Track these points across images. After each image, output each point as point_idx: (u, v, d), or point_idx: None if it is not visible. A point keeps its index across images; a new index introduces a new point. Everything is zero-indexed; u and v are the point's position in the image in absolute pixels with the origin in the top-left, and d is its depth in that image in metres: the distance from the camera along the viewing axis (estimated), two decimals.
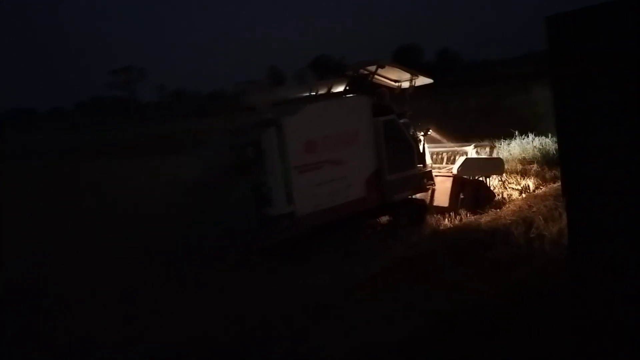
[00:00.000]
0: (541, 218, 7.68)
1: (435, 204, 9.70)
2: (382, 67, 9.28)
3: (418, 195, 9.58)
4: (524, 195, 10.37)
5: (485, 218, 8.93)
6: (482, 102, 21.56)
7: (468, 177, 9.95)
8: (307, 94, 8.82)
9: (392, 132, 8.74)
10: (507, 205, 9.57)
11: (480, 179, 10.15)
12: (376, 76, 9.37)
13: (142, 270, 7.51)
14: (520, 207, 8.93)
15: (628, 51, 3.90)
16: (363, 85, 9.13)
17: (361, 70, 9.40)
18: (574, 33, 4.24)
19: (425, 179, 9.38)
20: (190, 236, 8.10)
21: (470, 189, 9.89)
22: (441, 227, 9.00)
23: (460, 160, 9.93)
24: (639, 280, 4.06)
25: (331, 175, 7.93)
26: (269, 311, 6.08)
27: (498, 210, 9.36)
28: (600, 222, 4.23)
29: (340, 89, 9.22)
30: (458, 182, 9.72)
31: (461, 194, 9.76)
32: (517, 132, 13.58)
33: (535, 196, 9.78)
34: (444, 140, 10.61)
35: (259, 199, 7.64)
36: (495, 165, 10.42)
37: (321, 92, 9.34)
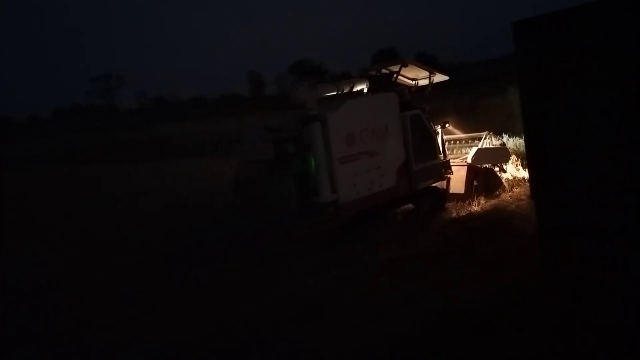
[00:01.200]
0: None
1: (451, 191, 10.49)
2: (406, 66, 10.00)
3: (437, 184, 10.34)
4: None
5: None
6: (457, 104, 22.12)
7: (480, 166, 10.79)
8: (336, 92, 9.41)
9: (417, 126, 9.52)
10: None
11: (489, 167, 11.02)
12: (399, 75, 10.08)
13: (162, 270, 8.09)
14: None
15: (590, 53, 4.03)
16: (385, 83, 9.87)
17: (384, 70, 10.17)
18: (537, 37, 4.36)
19: (444, 169, 10.17)
20: (236, 228, 8.92)
21: (482, 176, 10.76)
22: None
23: (473, 150, 10.76)
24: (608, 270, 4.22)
25: (367, 166, 8.61)
26: (271, 311, 6.34)
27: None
28: (570, 220, 4.32)
29: (360, 87, 9.87)
30: (472, 170, 10.55)
31: (475, 182, 10.58)
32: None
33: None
34: (458, 133, 11.41)
35: (303, 189, 8.30)
36: (503, 155, 11.32)
37: (346, 90, 9.84)
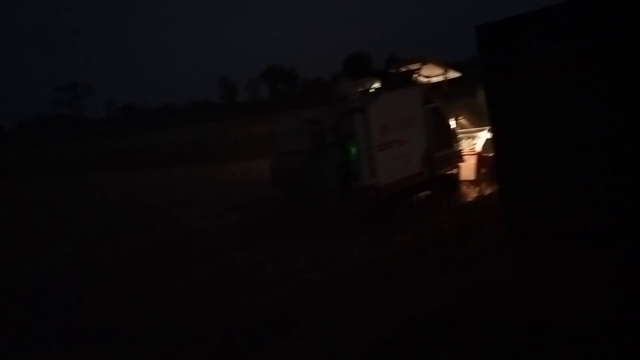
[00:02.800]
0: None
1: (462, 178, 11.48)
2: (426, 63, 10.96)
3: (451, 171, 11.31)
4: None
5: None
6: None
7: (487, 155, 11.85)
8: (362, 88, 10.31)
9: (437, 117, 10.52)
10: None
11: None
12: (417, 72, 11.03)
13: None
14: None
15: (554, 56, 3.99)
16: (404, 81, 10.87)
17: (403, 68, 11.16)
18: (501, 41, 4.35)
19: (458, 157, 11.20)
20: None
21: (490, 164, 11.78)
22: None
23: (482, 140, 11.80)
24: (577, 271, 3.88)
25: (398, 153, 9.55)
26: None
27: None
28: (540, 221, 4.12)
29: (376, 85, 10.79)
30: (481, 158, 11.59)
31: (483, 169, 11.62)
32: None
33: None
34: (469, 125, 12.43)
35: (343, 174, 9.18)
36: None
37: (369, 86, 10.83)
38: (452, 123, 11.31)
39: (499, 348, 4.24)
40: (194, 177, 19.77)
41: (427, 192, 11.02)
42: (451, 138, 11.01)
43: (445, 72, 11.58)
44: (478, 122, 12.55)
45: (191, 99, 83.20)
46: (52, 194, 20.63)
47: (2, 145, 62.83)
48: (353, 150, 9.08)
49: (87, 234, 12.00)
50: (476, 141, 12.12)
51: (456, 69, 11.82)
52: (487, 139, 11.88)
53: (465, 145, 12.27)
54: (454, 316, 4.99)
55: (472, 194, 11.24)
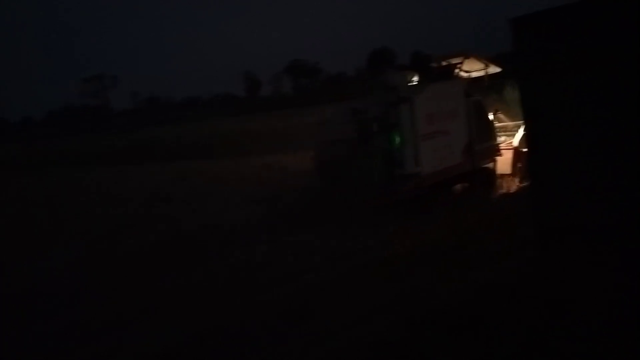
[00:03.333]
0: None
1: (499, 171, 11.63)
2: (468, 57, 11.16)
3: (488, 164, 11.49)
4: None
5: None
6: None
7: (524, 149, 12.00)
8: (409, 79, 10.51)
9: (478, 111, 10.74)
10: None
11: None
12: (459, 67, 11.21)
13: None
14: None
15: (590, 49, 3.87)
16: (446, 74, 11.06)
17: (445, 62, 11.34)
18: (536, 33, 4.21)
19: (496, 150, 11.37)
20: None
21: (526, 158, 11.97)
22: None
23: (519, 134, 11.95)
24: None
25: (442, 143, 9.78)
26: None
27: None
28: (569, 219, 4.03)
29: (417, 77, 10.86)
30: (517, 153, 11.73)
31: (519, 164, 11.78)
32: None
33: None
34: (507, 119, 12.58)
35: (388, 163, 9.48)
36: None
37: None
38: (491, 117, 11.45)
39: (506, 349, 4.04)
40: (216, 171, 19.71)
41: (464, 184, 11.19)
42: (490, 132, 11.20)
43: (486, 66, 11.72)
44: (515, 117, 12.69)
45: (215, 93, 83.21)
46: (74, 186, 20.85)
47: (28, 136, 63.64)
48: (399, 138, 9.31)
49: (106, 226, 11.95)
50: (513, 135, 12.27)
51: (497, 64, 11.91)
52: (524, 134, 12.09)
53: (502, 140, 12.42)
54: (466, 317, 4.80)
55: (507, 188, 11.39)
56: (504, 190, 11.26)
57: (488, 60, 11.83)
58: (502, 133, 12.59)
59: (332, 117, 11.22)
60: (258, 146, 24.27)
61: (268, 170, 17.29)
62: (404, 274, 6.47)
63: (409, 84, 10.27)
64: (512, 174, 11.62)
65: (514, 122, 12.66)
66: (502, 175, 11.67)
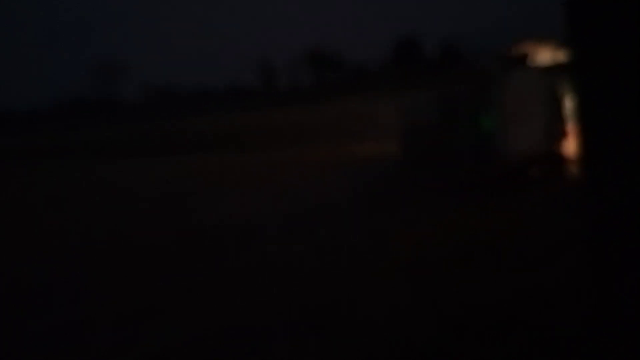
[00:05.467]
0: None
1: (568, 156, 11.20)
2: (543, 45, 11.72)
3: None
4: None
5: None
6: None
7: None
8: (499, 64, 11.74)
9: (554, 96, 10.73)
10: None
11: None
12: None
13: None
14: None
15: None
16: (523, 60, 11.61)
17: (521, 50, 11.95)
18: (596, 16, 3.74)
19: (567, 135, 11.29)
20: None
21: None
22: None
23: None
24: None
25: (526, 125, 9.98)
26: None
27: None
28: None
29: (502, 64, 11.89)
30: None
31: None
32: None
33: None
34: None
35: (478, 145, 10.00)
36: None
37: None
38: (563, 102, 11.37)
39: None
40: (233, 164, 19.51)
41: (539, 168, 11.36)
42: (563, 117, 11.14)
43: (561, 54, 11.47)
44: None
45: (230, 84, 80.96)
46: (86, 180, 20.57)
47: (35, 128, 63.25)
48: (490, 121, 9.96)
49: (120, 219, 11.64)
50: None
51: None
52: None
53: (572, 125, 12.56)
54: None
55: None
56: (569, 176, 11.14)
57: (557, 46, 11.77)
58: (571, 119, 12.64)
59: (413, 104, 12.19)
60: (273, 140, 24.34)
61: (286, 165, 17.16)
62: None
63: (499, 69, 11.41)
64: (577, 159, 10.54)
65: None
66: (571, 160, 11.29)
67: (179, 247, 8.64)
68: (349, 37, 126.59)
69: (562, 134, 11.42)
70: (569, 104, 11.94)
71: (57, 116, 72.14)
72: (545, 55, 12.15)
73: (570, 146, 11.49)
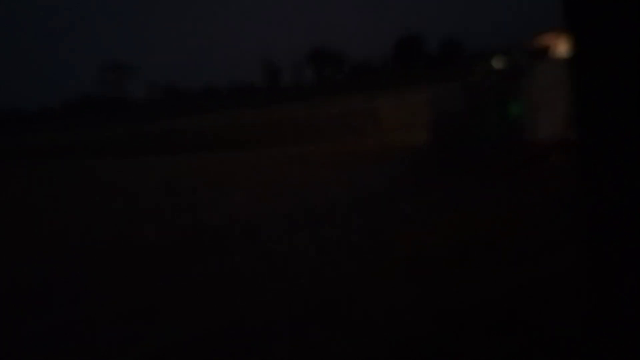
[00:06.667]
0: None
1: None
2: (562, 37, 11.67)
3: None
4: None
5: None
6: None
7: None
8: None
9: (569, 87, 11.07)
10: None
11: None
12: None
13: None
14: None
15: None
16: (544, 52, 11.78)
17: (543, 42, 12.04)
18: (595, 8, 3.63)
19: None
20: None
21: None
22: None
23: None
24: None
25: (552, 113, 10.39)
26: None
27: None
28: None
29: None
30: None
31: None
32: None
33: None
34: None
35: (506, 131, 10.56)
36: None
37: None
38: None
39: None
40: (234, 162, 18.62)
41: (560, 154, 11.53)
42: None
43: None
44: None
45: (234, 82, 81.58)
46: (87, 178, 19.71)
47: (40, 127, 63.59)
48: (516, 108, 10.52)
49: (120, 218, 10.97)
50: None
51: None
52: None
53: None
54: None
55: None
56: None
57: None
58: None
59: (442, 93, 12.97)
60: (279, 137, 23.14)
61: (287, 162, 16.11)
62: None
63: (525, 60, 11.62)
64: None
65: None
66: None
67: (180, 246, 8.16)
68: (351, 36, 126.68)
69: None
70: None
71: (65, 115, 72.72)
72: (564, 47, 12.43)
73: None
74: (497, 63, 11.95)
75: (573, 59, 3.44)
